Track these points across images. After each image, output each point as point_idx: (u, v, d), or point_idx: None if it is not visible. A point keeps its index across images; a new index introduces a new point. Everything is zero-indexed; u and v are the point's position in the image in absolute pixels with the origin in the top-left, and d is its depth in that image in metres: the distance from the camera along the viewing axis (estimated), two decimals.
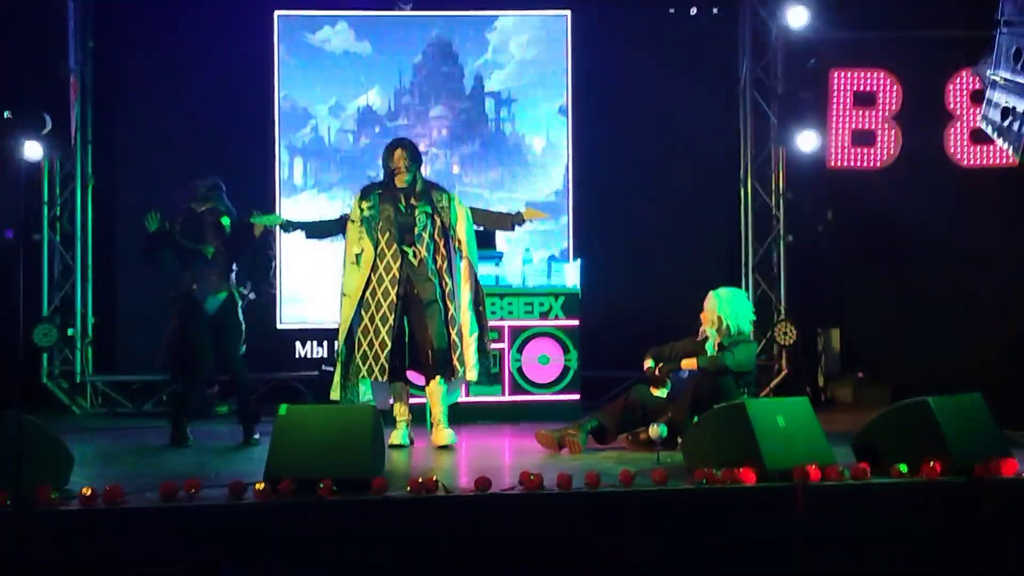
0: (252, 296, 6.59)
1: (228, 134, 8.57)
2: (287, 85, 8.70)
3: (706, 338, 6.11)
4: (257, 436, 6.26)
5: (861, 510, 4.65)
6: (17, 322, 4.53)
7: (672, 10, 8.84)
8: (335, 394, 6.17)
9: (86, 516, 4.30)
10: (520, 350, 7.55)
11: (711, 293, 6.20)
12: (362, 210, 6.17)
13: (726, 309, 6.10)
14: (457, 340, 6.16)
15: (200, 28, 8.59)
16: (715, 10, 8.88)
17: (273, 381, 8.45)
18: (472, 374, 6.21)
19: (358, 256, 6.15)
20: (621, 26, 8.77)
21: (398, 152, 6.19)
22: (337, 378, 6.16)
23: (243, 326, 6.41)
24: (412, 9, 8.72)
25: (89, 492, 4.36)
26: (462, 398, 6.72)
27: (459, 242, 6.23)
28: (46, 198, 8.37)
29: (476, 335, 6.23)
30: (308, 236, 6.47)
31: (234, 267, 6.40)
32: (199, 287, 6.27)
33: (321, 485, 4.43)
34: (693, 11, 8.86)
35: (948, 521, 4.69)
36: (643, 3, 8.68)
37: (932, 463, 4.76)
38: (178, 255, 6.29)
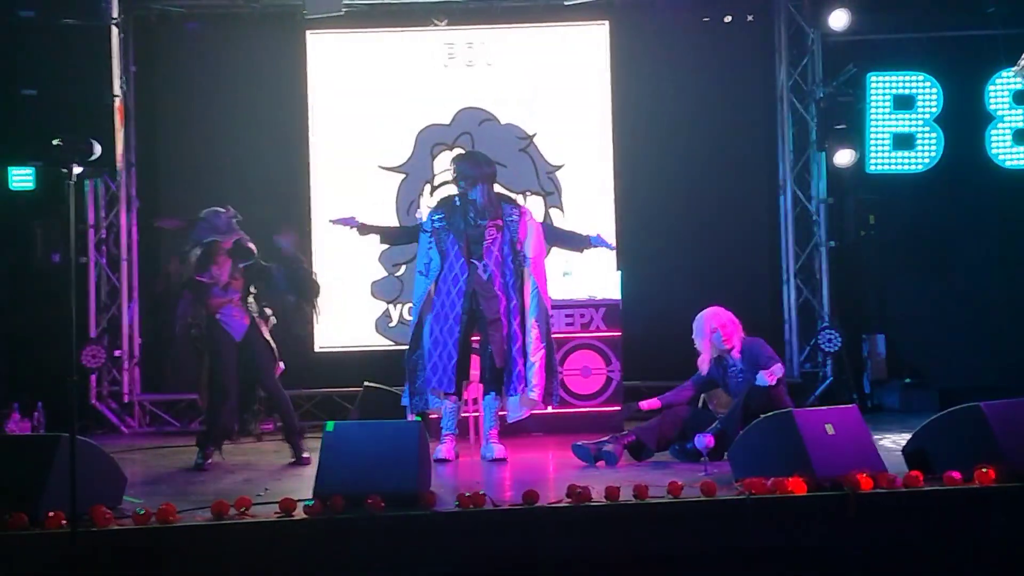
0: (273, 320, 6.58)
1: (270, 153, 8.66)
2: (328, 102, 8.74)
3: (732, 365, 6.08)
4: (307, 454, 6.26)
5: (914, 518, 4.60)
6: (68, 344, 4.59)
7: (707, 19, 8.82)
8: (405, 400, 6.23)
9: (140, 535, 4.35)
10: (562, 362, 7.51)
11: (706, 315, 6.17)
12: (433, 221, 6.23)
13: (730, 315, 6.14)
14: (520, 357, 6.12)
15: (240, 50, 8.71)
16: (749, 17, 8.84)
17: (317, 397, 8.52)
18: (536, 393, 6.14)
19: (427, 266, 6.20)
20: (657, 36, 8.76)
21: (468, 164, 6.24)
22: (407, 385, 6.22)
23: (273, 346, 6.37)
24: (447, 25, 8.78)
25: (143, 511, 4.42)
26: (501, 411, 6.67)
27: (526, 258, 6.20)
28: (92, 221, 8.52)
29: (542, 354, 6.17)
30: (382, 241, 6.59)
31: (252, 290, 6.37)
32: (223, 315, 6.28)
33: (370, 501, 4.46)
34: (727, 19, 8.84)
35: (1004, 528, 4.62)
36: (678, 13, 8.65)
37: (986, 469, 4.69)
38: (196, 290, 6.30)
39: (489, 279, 6.15)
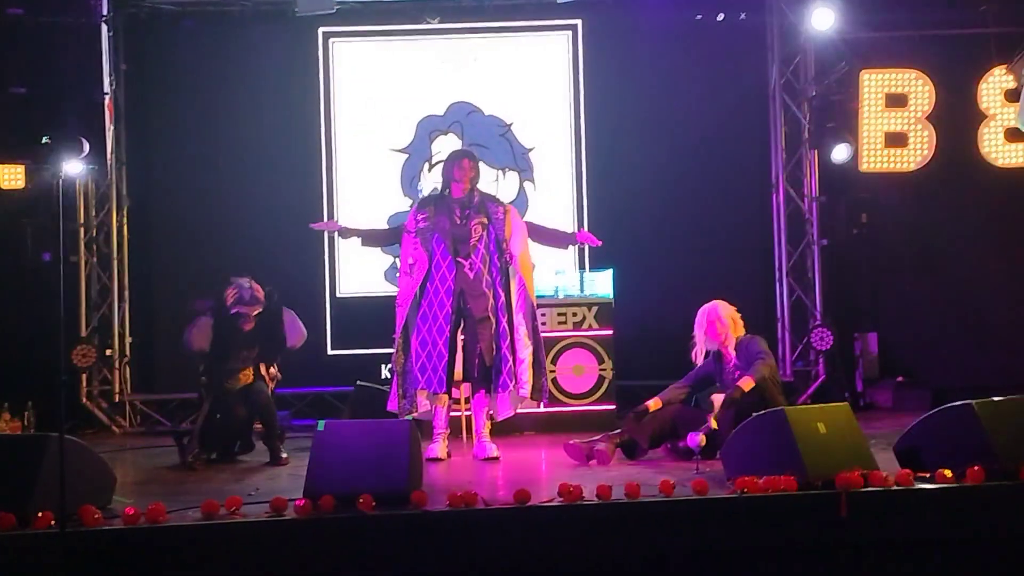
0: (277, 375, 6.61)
1: (265, 150, 8.65)
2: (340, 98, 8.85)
3: (728, 361, 6.08)
4: (285, 455, 6.28)
5: (905, 516, 4.59)
6: (58, 343, 4.57)
7: (699, 16, 8.82)
8: (392, 405, 6.20)
9: (129, 535, 4.33)
10: (554, 361, 7.52)
11: (705, 309, 6.19)
12: (417, 221, 6.22)
13: (729, 311, 6.13)
14: (509, 354, 6.12)
15: (230, 48, 8.70)
16: (742, 15, 8.84)
17: (309, 396, 8.50)
18: (526, 390, 6.15)
19: (412, 267, 6.20)
20: (648, 33, 8.76)
21: (462, 162, 6.23)
22: (395, 389, 6.19)
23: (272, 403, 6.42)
24: (440, 22, 8.78)
25: (132, 511, 4.40)
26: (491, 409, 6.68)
27: (512, 256, 6.21)
28: (82, 220, 8.48)
29: (531, 351, 6.18)
30: (364, 243, 6.60)
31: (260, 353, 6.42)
32: (230, 383, 6.31)
33: (361, 500, 4.44)
34: (720, 17, 8.83)
35: (994, 527, 4.62)
36: (669, 10, 8.66)
37: (977, 468, 4.69)
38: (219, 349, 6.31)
39: (476, 277, 6.14)
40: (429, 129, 8.84)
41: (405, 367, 6.17)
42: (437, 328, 6.10)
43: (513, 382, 6.11)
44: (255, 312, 6.35)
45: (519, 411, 6.61)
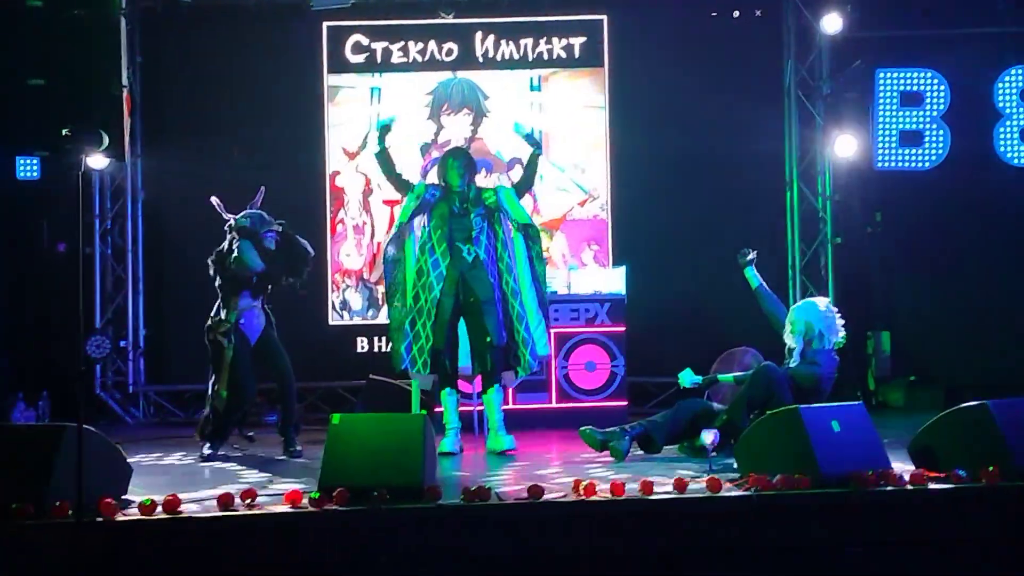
0: (304, 292, 6.59)
1: (278, 143, 8.66)
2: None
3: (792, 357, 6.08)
4: (300, 447, 6.29)
5: (919, 516, 4.59)
6: (73, 334, 4.60)
7: (715, 13, 8.80)
8: (406, 364, 6.21)
9: (146, 526, 4.36)
10: (567, 357, 7.54)
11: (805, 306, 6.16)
12: (427, 189, 6.33)
13: (805, 316, 6.03)
14: (527, 335, 6.21)
15: (245, 42, 8.71)
16: (758, 12, 8.82)
17: (320, 390, 8.52)
18: (531, 356, 6.25)
19: (402, 225, 6.28)
20: (663, 29, 8.75)
21: (455, 162, 6.30)
22: (404, 352, 6.21)
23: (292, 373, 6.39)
24: (454, 18, 8.78)
25: (149, 502, 4.43)
26: (509, 406, 6.70)
27: (515, 222, 6.30)
28: (97, 211, 8.52)
29: (541, 318, 6.29)
30: (380, 164, 6.41)
31: (270, 288, 6.38)
32: (246, 319, 6.27)
33: (375, 494, 4.46)
34: (736, 13, 8.82)
35: (1009, 527, 4.62)
36: (685, 6, 8.65)
37: (992, 468, 4.68)
38: (232, 280, 6.26)
39: (475, 261, 6.19)
40: (441, 114, 8.83)
41: (407, 323, 6.18)
42: (427, 312, 6.15)
43: (529, 352, 6.20)
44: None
45: (531, 407, 6.64)
